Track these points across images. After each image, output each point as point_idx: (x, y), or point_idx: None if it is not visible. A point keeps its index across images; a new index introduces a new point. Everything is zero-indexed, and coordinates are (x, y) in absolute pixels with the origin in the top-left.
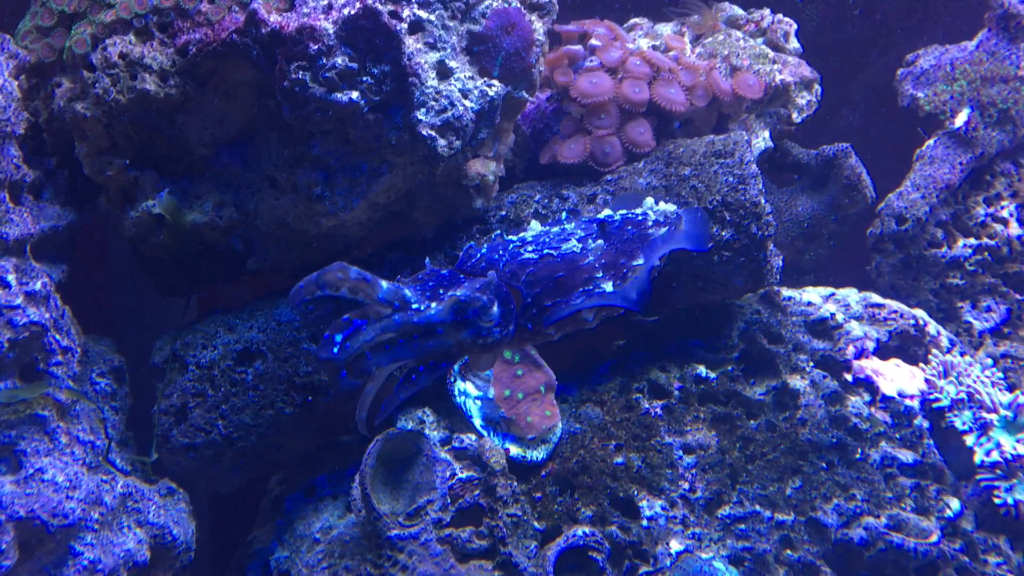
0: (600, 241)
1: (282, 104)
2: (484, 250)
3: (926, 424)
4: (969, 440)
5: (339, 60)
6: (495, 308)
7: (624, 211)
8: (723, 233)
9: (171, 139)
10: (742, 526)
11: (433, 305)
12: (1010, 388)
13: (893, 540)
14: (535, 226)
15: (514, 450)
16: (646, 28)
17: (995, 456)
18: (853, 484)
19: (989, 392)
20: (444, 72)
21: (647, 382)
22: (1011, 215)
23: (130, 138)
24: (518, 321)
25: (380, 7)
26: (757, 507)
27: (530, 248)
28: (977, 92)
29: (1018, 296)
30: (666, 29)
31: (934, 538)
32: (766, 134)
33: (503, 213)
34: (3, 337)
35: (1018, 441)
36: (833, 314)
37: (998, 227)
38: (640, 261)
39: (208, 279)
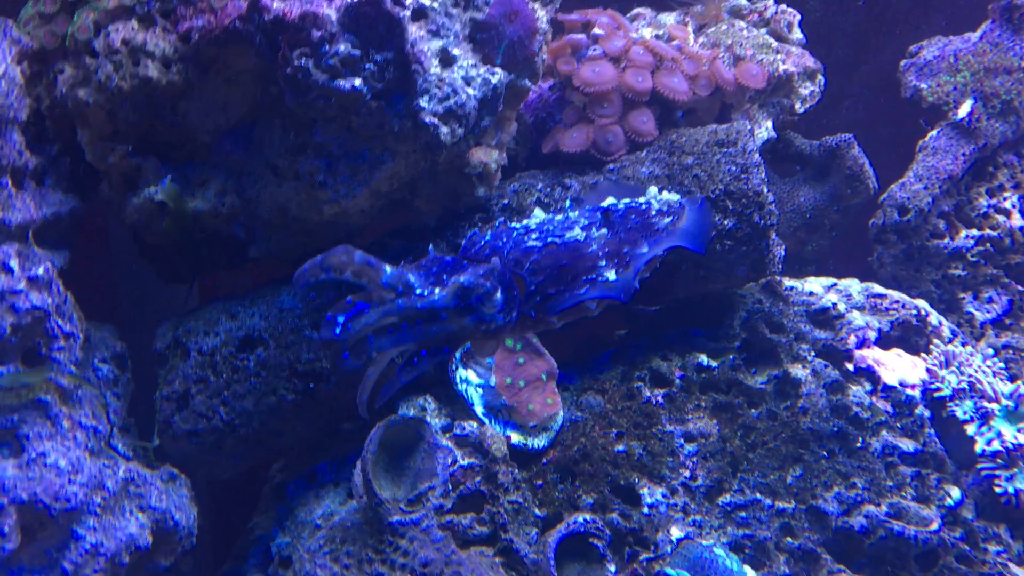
0: (604, 230)
1: (285, 91)
2: (488, 237)
3: (927, 413)
4: (970, 429)
5: (342, 47)
6: (499, 294)
7: (628, 200)
8: (726, 222)
9: (173, 126)
10: (743, 514)
11: (437, 290)
12: (1011, 378)
13: (894, 528)
14: (539, 214)
15: (515, 437)
16: (649, 17)
17: (996, 445)
18: (854, 472)
19: (990, 382)
20: (447, 60)
21: (648, 370)
22: (1014, 206)
23: (132, 125)
24: (521, 308)
25: None
26: (758, 495)
27: (534, 236)
28: (980, 83)
29: (1020, 287)
30: (669, 19)
31: (934, 526)
32: (769, 124)
33: (505, 202)
34: (6, 322)
35: (1019, 431)
36: (835, 304)
37: (1000, 218)
38: (644, 250)
39: (210, 266)
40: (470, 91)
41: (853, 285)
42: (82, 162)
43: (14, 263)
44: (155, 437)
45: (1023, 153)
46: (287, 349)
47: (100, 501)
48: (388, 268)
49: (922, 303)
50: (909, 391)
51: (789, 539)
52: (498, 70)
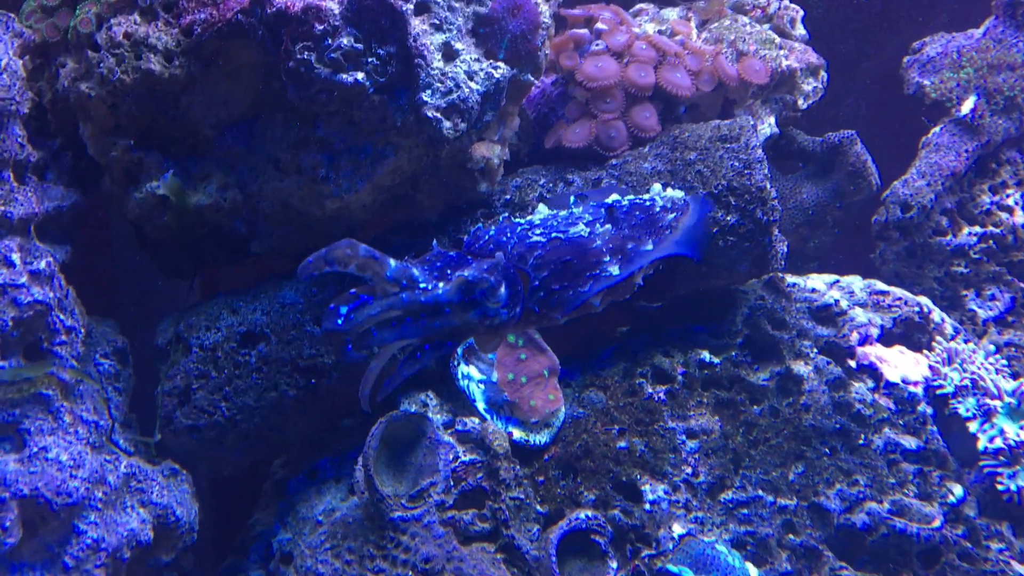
0: (608, 226)
1: (287, 85)
2: (492, 232)
3: (930, 411)
4: (972, 427)
5: (344, 40)
6: (502, 289)
7: (632, 196)
8: (728, 218)
9: (175, 120)
10: (745, 510)
11: (441, 285)
12: (1014, 376)
13: (896, 525)
14: (543, 209)
15: (517, 434)
16: (652, 13)
17: (998, 443)
18: (856, 470)
19: (993, 379)
20: (450, 54)
21: (650, 367)
22: (1016, 203)
23: (134, 119)
24: (525, 304)
25: None
26: (760, 492)
27: (538, 231)
28: (983, 80)
29: (1022, 284)
30: (672, 14)
31: (937, 523)
32: (771, 120)
33: (508, 197)
34: (8, 316)
35: (1021, 428)
36: (837, 301)
37: (1003, 215)
38: (649, 247)
39: (212, 261)
40: (473, 85)
41: (855, 282)
42: (84, 156)
43: (16, 257)
44: (156, 432)
45: None
46: (289, 344)
47: (101, 496)
48: (392, 262)
49: (924, 300)
50: (911, 388)
51: (791, 536)
52: (501, 64)
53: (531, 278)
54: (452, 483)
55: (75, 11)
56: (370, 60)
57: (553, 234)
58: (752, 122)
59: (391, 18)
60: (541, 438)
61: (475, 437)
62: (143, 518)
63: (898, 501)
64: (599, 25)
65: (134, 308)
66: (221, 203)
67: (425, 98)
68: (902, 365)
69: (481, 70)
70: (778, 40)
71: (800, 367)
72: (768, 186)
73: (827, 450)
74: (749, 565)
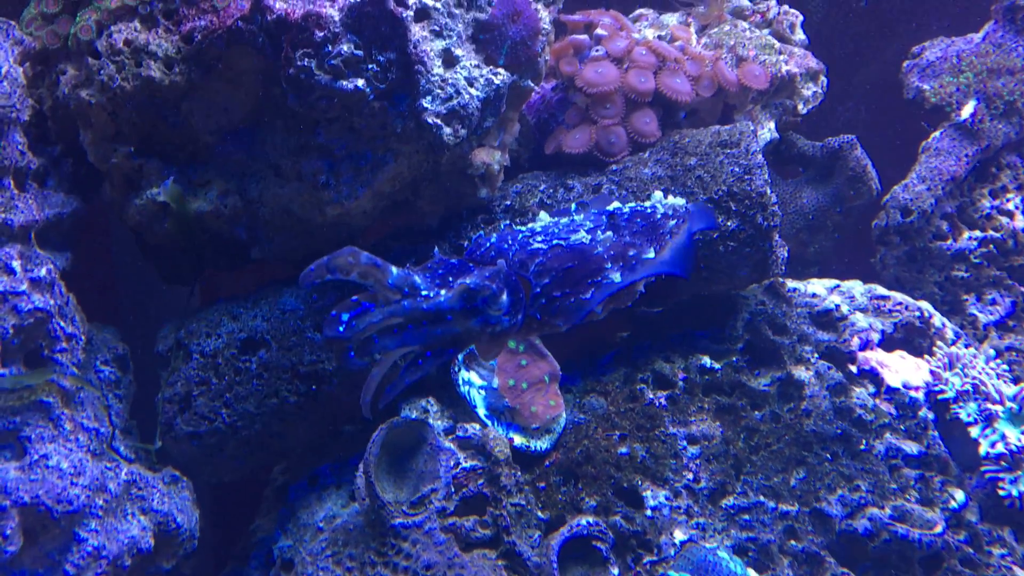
0: (609, 233)
1: (287, 92)
2: (494, 239)
3: (931, 416)
4: (974, 432)
5: (345, 47)
6: (504, 297)
7: (633, 203)
8: (729, 223)
9: (176, 127)
10: (746, 516)
11: (443, 292)
12: (1015, 380)
13: (897, 531)
14: (544, 216)
15: (518, 440)
16: (652, 18)
17: (1000, 448)
18: (857, 475)
19: (994, 384)
20: (450, 60)
21: (651, 372)
22: (1016, 208)
23: (135, 125)
24: (527, 311)
25: None
26: (761, 498)
27: (539, 238)
28: (983, 84)
29: (1023, 289)
30: (672, 19)
31: (938, 529)
32: (771, 125)
33: (508, 203)
34: (8, 323)
35: (1023, 433)
36: (838, 305)
37: (1003, 220)
38: (650, 255)
39: (212, 268)
40: (473, 92)
41: (856, 287)
42: (84, 163)
43: (16, 264)
44: (157, 439)
45: None
46: (289, 351)
47: (102, 503)
48: (394, 270)
49: (925, 305)
50: (912, 393)
51: (793, 542)
52: (501, 71)
53: (533, 285)
54: (453, 489)
55: (75, 18)
56: (370, 67)
57: (555, 241)
58: (752, 127)
59: (391, 25)
60: (542, 444)
61: (476, 443)
62: (144, 525)
63: (900, 507)
64: (599, 31)
65: (134, 315)
66: (221, 209)
67: (425, 104)
68: (903, 370)
69: (481, 76)
70: (778, 45)
71: (801, 372)
72: (768, 191)
73: (828, 455)
74: (751, 571)
